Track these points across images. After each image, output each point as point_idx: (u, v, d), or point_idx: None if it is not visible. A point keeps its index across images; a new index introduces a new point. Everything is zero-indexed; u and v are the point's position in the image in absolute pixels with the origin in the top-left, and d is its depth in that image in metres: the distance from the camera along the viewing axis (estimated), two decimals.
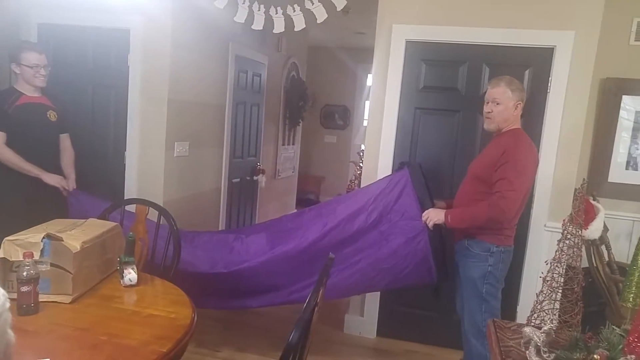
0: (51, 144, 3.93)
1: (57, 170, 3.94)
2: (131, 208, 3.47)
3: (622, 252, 4.13)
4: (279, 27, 3.94)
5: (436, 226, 3.18)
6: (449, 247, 3.31)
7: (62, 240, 2.23)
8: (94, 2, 4.36)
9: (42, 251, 2.17)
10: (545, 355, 1.82)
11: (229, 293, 3.60)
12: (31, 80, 3.77)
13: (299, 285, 3.39)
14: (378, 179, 3.96)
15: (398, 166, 3.70)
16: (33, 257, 2.07)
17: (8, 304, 1.03)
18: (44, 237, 2.18)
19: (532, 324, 2.09)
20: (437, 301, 3.80)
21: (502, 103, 3.06)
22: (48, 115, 3.86)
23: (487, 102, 3.14)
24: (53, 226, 2.41)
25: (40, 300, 2.11)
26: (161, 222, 3.29)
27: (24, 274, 2.03)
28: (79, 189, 3.96)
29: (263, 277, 3.43)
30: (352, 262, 3.36)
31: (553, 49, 3.75)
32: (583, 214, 2.21)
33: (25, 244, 2.16)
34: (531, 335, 1.88)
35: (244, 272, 3.38)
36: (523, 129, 3.17)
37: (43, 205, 3.67)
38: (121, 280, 2.49)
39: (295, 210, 8.87)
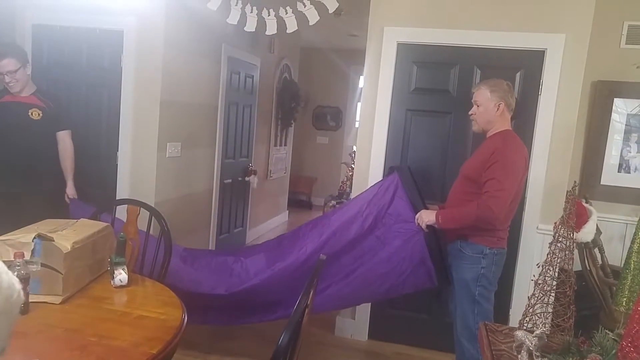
0: (34, 142, 3.91)
1: (45, 168, 3.97)
2: (123, 211, 3.44)
3: (615, 255, 4.14)
4: (271, 29, 3.94)
5: (432, 228, 3.18)
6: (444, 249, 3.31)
7: (53, 241, 2.21)
8: (88, 3, 4.36)
9: (32, 251, 2.15)
10: None
11: (230, 311, 3.58)
12: (6, 86, 3.81)
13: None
14: (370, 180, 3.98)
15: (388, 171, 3.70)
16: (24, 257, 2.05)
17: (20, 287, 1.09)
18: (35, 237, 2.17)
19: (524, 327, 2.09)
20: (439, 306, 3.81)
21: (482, 104, 3.12)
22: (30, 114, 3.84)
23: (473, 104, 3.19)
24: (44, 226, 2.39)
25: (30, 300, 2.09)
26: (152, 223, 3.28)
27: (15, 274, 2.00)
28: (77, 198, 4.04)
29: (264, 295, 3.41)
30: (351, 269, 3.34)
31: (544, 51, 3.76)
32: (574, 216, 2.21)
33: (16, 244, 2.15)
34: (523, 339, 1.88)
35: (244, 292, 3.36)
36: (515, 131, 3.18)
37: (28, 205, 3.67)
38: (112, 281, 2.47)
39: (288, 211, 8.92)
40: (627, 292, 3.34)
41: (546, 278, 2.12)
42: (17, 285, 1.09)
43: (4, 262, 1.08)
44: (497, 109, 3.08)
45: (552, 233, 2.20)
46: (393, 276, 3.30)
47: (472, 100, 3.18)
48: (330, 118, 10.29)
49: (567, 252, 2.12)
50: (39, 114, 3.87)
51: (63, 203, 4.00)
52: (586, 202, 3.91)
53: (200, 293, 3.36)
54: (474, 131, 3.28)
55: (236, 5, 3.92)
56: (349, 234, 3.36)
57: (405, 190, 3.38)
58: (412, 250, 3.25)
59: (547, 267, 2.12)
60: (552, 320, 2.08)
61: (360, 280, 3.33)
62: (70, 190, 4.04)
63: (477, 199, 2.96)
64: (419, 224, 3.21)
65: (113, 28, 4.44)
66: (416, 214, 3.25)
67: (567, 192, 2.28)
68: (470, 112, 3.20)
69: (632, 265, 3.34)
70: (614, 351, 1.69)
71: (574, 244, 2.19)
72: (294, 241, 3.56)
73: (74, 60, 4.61)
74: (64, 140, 4.03)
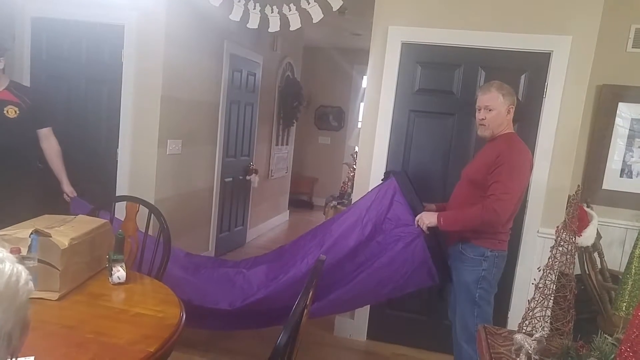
0: (11, 141, 3.69)
1: (26, 167, 3.81)
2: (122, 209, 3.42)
3: (614, 260, 4.14)
4: (274, 26, 3.92)
5: (432, 228, 3.16)
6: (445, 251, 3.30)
7: (51, 237, 2.20)
8: None
9: (29, 247, 2.14)
10: None
11: (231, 319, 3.55)
12: None
13: None
14: (371, 180, 3.97)
15: (384, 176, 3.67)
16: (20, 252, 2.04)
17: (31, 283, 1.15)
18: (32, 233, 2.15)
19: (524, 331, 2.07)
20: (438, 307, 3.79)
21: (495, 109, 3.05)
22: (5, 112, 3.64)
23: (480, 109, 3.11)
24: (41, 222, 2.38)
25: None
26: (151, 221, 3.26)
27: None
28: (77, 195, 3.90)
29: (267, 305, 3.37)
30: (353, 275, 3.31)
31: (550, 54, 3.73)
32: (577, 220, 2.19)
33: (12, 239, 2.13)
34: (522, 342, 1.87)
35: (247, 305, 3.33)
36: (518, 134, 3.15)
37: (11, 206, 3.54)
38: (110, 278, 2.46)
39: (288, 211, 8.89)
40: (627, 297, 3.33)
41: (547, 282, 2.10)
42: (25, 274, 1.12)
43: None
44: (509, 112, 3.06)
45: (554, 237, 2.18)
46: (395, 278, 3.29)
47: (482, 105, 3.09)
48: (333, 118, 10.28)
49: (568, 257, 2.10)
50: (15, 112, 3.67)
51: (48, 202, 3.84)
52: (587, 207, 3.90)
53: (203, 307, 3.33)
54: (483, 136, 3.18)
55: (239, 1, 3.90)
56: (349, 242, 3.34)
57: (403, 194, 3.36)
58: (414, 253, 3.24)
59: (548, 271, 2.10)
60: (552, 324, 2.06)
61: (363, 284, 3.31)
62: (68, 188, 3.90)
63: (481, 201, 2.94)
64: (419, 225, 3.20)
65: (114, 22, 4.44)
66: (416, 216, 3.23)
67: (570, 196, 2.26)
68: (480, 117, 3.10)
69: (633, 270, 3.33)
70: (612, 356, 1.68)
71: (576, 249, 2.17)
72: (295, 252, 3.54)
73: (73, 55, 4.60)
74: (48, 138, 3.87)
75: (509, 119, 3.08)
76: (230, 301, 3.36)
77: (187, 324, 2.22)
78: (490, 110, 3.06)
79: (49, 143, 3.88)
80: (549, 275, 2.10)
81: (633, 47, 4.15)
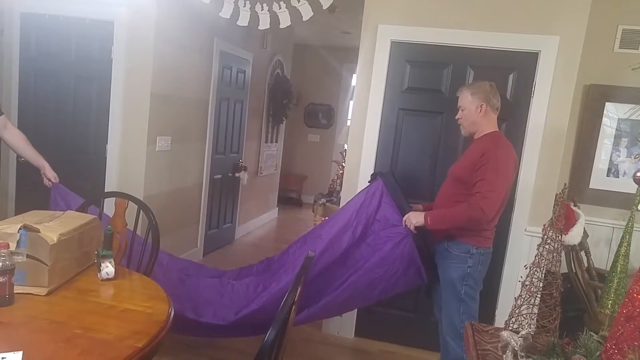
0: None
1: None
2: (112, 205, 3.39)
3: (601, 259, 4.17)
4: (264, 23, 3.92)
5: (419, 228, 3.18)
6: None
7: (39, 232, 2.19)
8: None
9: (18, 242, 2.12)
10: None
11: (227, 330, 3.48)
12: None
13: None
14: (360, 179, 3.98)
15: (371, 177, 3.67)
16: (9, 248, 2.03)
17: None
18: (20, 228, 2.14)
19: (510, 328, 2.09)
20: (425, 305, 3.80)
21: (465, 108, 3.15)
22: None
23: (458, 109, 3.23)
24: (30, 217, 2.37)
25: (15, 291, 2.07)
26: (140, 217, 3.25)
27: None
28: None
29: (264, 315, 3.23)
30: (344, 278, 3.30)
31: (538, 53, 3.76)
32: (563, 219, 2.22)
33: (1, 235, 2.12)
34: (509, 339, 1.88)
35: (242, 318, 3.25)
36: (506, 133, 3.19)
37: None
38: (98, 274, 2.45)
39: (277, 208, 8.88)
40: (612, 295, 3.37)
41: (533, 279, 2.12)
42: None
43: None
44: (480, 110, 3.10)
45: (541, 235, 2.20)
46: (385, 279, 3.29)
47: (457, 106, 3.21)
48: (322, 116, 10.29)
49: (554, 255, 2.12)
50: None
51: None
52: (574, 206, 3.93)
53: (192, 319, 3.21)
54: (464, 135, 3.30)
55: None
56: (341, 246, 3.33)
57: (391, 195, 3.37)
58: (402, 253, 3.25)
59: (534, 269, 2.12)
60: (538, 321, 2.08)
61: (354, 287, 3.30)
62: (51, 173, 3.46)
63: (467, 199, 2.96)
64: (407, 225, 3.21)
65: (103, 18, 4.42)
66: (403, 217, 3.25)
67: (557, 194, 2.28)
68: (456, 117, 3.23)
69: (618, 268, 3.37)
70: (598, 353, 1.69)
71: (562, 247, 2.20)
72: (285, 261, 3.51)
73: (62, 51, 4.59)
74: (6, 127, 3.41)
75: (482, 117, 3.12)
76: (223, 315, 3.27)
77: (174, 330, 2.20)
78: (462, 110, 3.18)
79: (10, 131, 3.43)
80: (536, 272, 2.12)
81: (620, 47, 4.18)
